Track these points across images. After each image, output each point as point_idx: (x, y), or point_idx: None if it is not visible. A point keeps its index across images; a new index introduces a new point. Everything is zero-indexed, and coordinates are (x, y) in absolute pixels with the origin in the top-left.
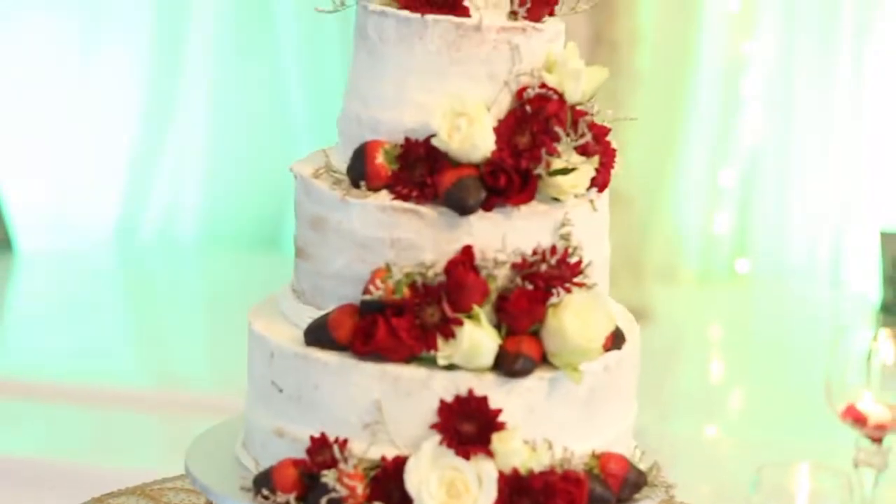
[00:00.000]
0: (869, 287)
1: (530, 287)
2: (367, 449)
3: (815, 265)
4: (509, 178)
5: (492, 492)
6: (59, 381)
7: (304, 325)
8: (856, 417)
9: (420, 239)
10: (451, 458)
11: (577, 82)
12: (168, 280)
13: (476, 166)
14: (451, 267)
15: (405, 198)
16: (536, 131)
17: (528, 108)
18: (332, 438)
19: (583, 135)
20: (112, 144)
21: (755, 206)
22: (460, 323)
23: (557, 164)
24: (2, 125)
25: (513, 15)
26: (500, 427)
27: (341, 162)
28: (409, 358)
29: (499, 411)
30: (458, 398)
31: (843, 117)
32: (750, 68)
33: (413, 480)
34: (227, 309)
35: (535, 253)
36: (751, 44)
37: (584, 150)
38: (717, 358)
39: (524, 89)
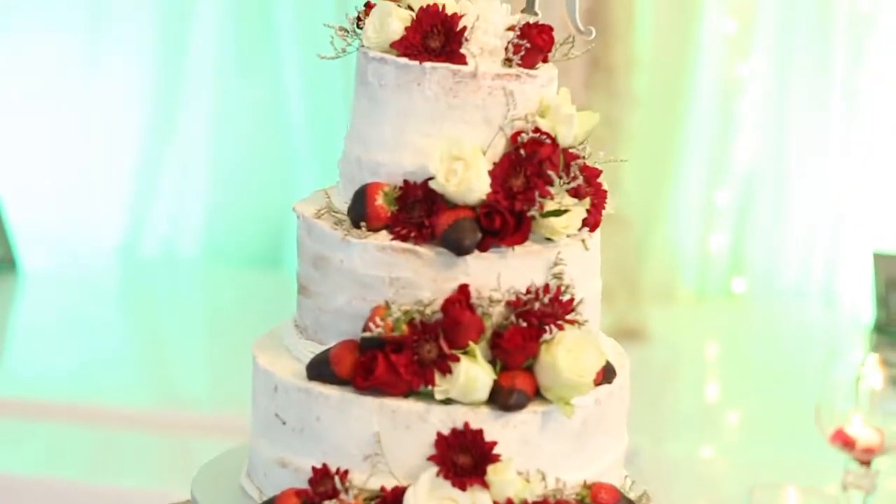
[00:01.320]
0: (862, 307)
1: (524, 324)
2: (367, 479)
3: (810, 285)
4: (504, 219)
5: None
6: (62, 399)
7: (307, 360)
8: (844, 441)
9: (418, 278)
10: (447, 488)
11: (570, 127)
12: (170, 298)
13: (472, 208)
14: (448, 305)
15: (404, 238)
16: (530, 174)
17: (522, 151)
18: (333, 469)
19: (575, 177)
20: (114, 163)
21: (751, 227)
22: (457, 359)
23: (550, 205)
24: (5, 144)
25: (507, 62)
26: (494, 459)
27: (342, 202)
28: (408, 392)
29: (494, 444)
30: (454, 431)
31: (837, 139)
32: (745, 90)
33: None
34: (229, 326)
35: (528, 291)
36: (746, 66)
37: (576, 193)
38: (713, 377)
39: (518, 133)
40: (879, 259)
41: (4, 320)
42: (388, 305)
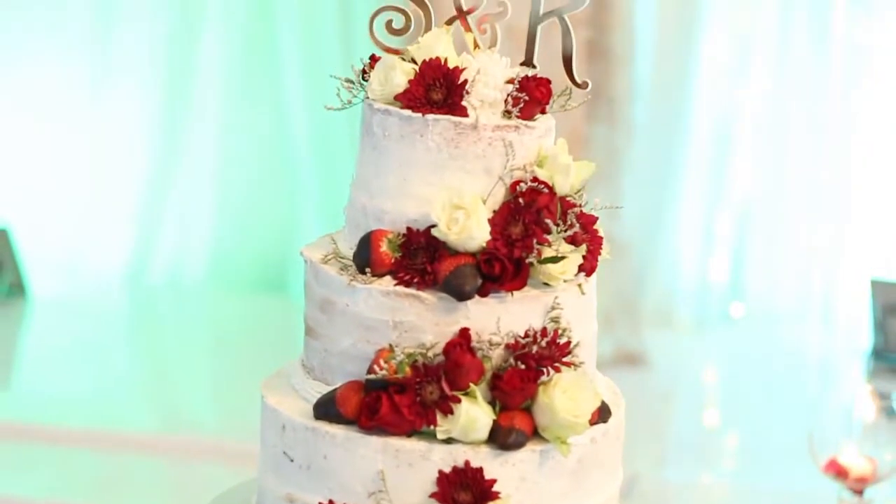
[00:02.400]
0: (860, 333)
1: (522, 367)
2: None
3: (808, 310)
4: (503, 266)
5: None
6: (70, 424)
7: (314, 400)
8: (837, 471)
9: (421, 322)
10: None
11: (567, 176)
12: (176, 323)
13: (473, 255)
14: (449, 348)
15: (407, 284)
16: (529, 222)
17: (520, 200)
18: None
19: (571, 225)
20: (121, 191)
21: (749, 252)
22: (458, 400)
23: (548, 252)
24: (15, 172)
25: (507, 114)
26: (494, 496)
27: (348, 248)
28: (411, 432)
29: (493, 481)
30: (455, 469)
31: (834, 165)
32: (742, 118)
33: None
34: (235, 351)
35: (527, 335)
36: (743, 94)
37: (572, 240)
38: (712, 402)
39: (517, 183)
40: (877, 286)
41: (15, 345)
42: (391, 348)
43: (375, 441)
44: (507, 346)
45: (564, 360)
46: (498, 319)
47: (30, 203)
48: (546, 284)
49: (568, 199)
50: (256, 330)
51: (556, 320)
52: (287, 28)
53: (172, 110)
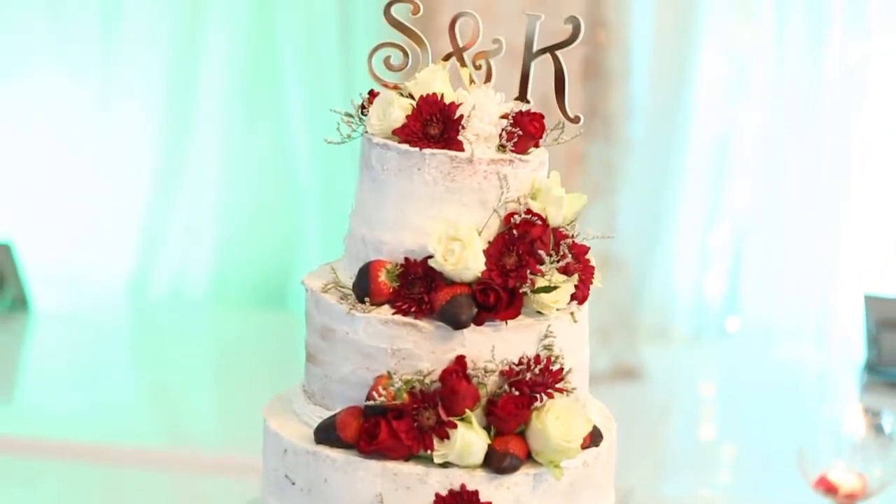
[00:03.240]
0: (854, 347)
1: (516, 393)
2: None
3: (802, 325)
4: (498, 295)
5: None
6: (73, 439)
7: (314, 424)
8: (827, 487)
9: (418, 350)
10: None
11: (559, 208)
12: (179, 338)
13: (469, 285)
14: (445, 375)
15: (405, 313)
16: (522, 253)
17: (514, 232)
18: None
19: (564, 255)
20: (124, 206)
21: (745, 267)
22: (454, 426)
23: (541, 282)
24: (18, 186)
25: (502, 147)
26: None
27: (347, 277)
28: (408, 456)
29: None
30: (451, 492)
31: (830, 182)
32: (740, 134)
33: None
34: (237, 366)
35: (520, 362)
36: (740, 110)
37: (565, 270)
38: (708, 417)
39: (511, 215)
40: (871, 301)
41: (17, 360)
42: (390, 375)
43: (375, 465)
44: (502, 373)
45: (557, 386)
46: (493, 347)
47: (32, 218)
48: (539, 313)
49: (560, 230)
50: (257, 345)
51: (549, 348)
52: (289, 46)
53: (176, 128)
